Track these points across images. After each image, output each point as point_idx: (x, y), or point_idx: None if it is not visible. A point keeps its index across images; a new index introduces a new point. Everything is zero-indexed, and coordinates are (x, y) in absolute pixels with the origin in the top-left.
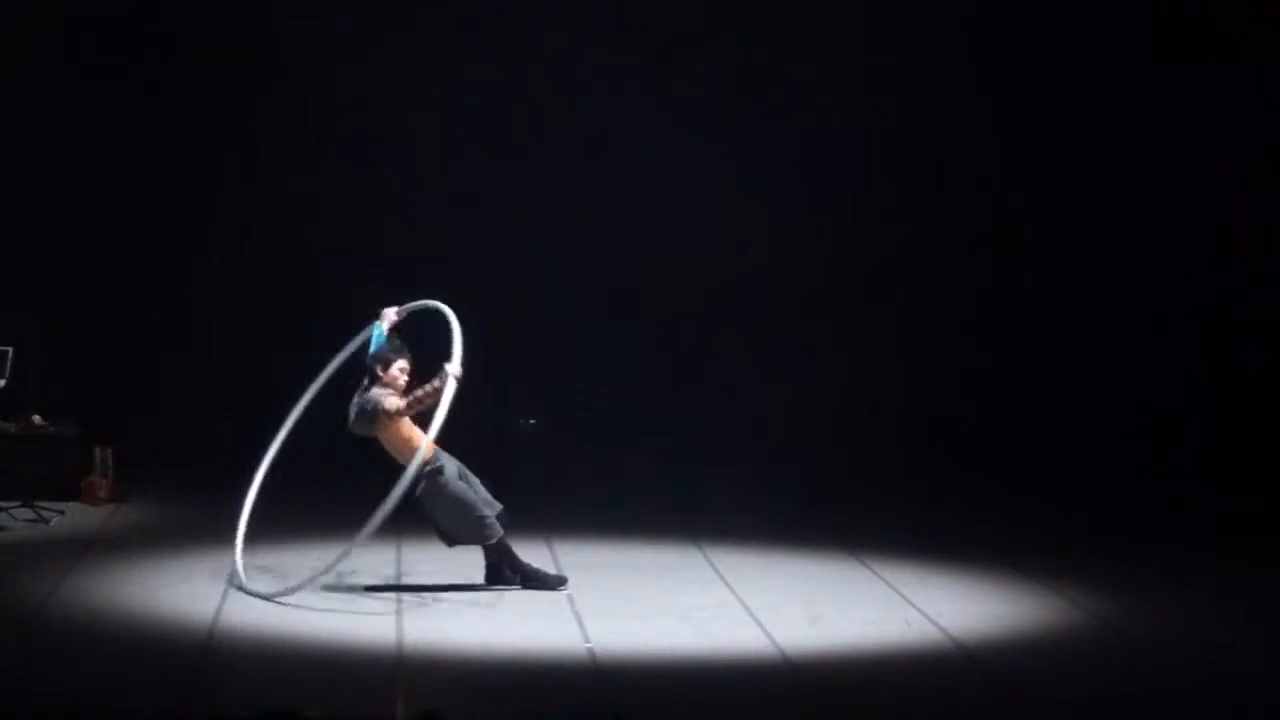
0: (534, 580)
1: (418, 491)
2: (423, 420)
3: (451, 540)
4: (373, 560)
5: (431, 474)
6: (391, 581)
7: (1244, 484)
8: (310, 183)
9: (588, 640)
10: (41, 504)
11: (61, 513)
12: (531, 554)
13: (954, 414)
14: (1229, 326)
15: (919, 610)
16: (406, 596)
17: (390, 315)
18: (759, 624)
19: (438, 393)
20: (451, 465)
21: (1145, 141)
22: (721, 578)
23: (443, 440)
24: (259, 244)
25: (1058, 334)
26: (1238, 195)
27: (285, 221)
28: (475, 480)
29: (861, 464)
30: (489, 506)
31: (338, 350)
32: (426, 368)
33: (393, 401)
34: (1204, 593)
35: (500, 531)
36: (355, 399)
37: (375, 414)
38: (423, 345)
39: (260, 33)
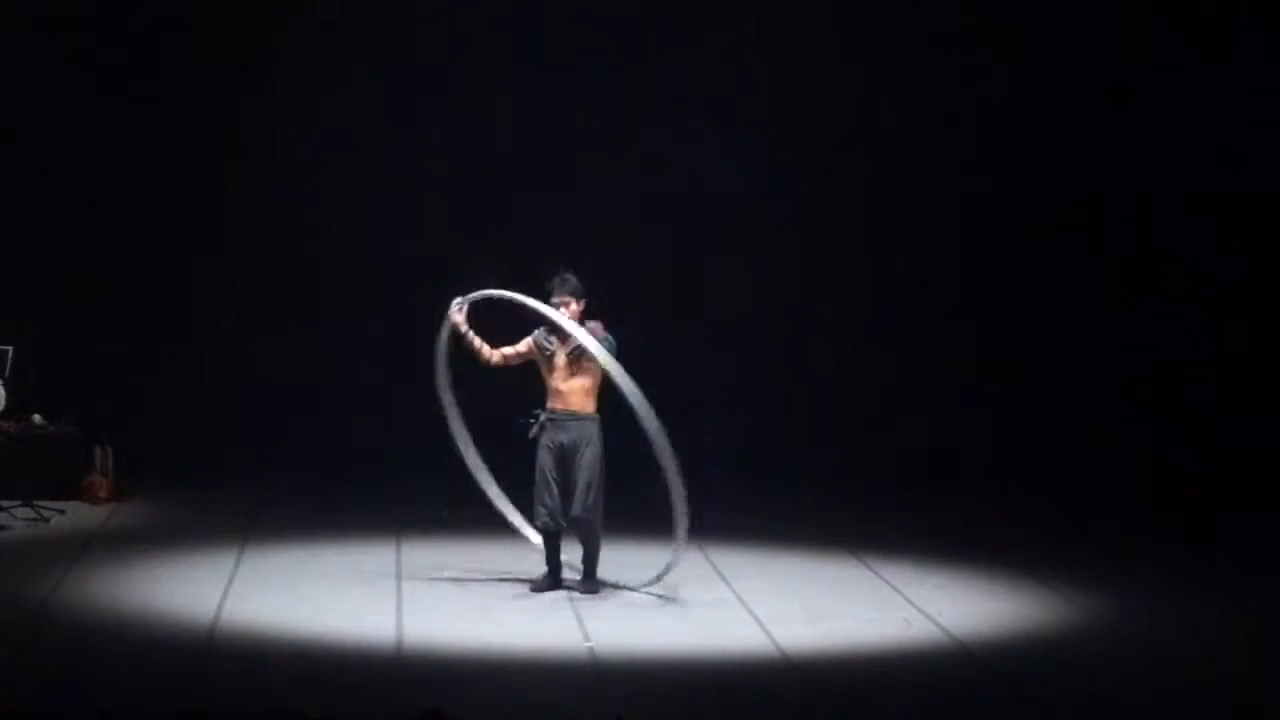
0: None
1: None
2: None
3: None
4: (371, 558)
5: (540, 427)
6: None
7: (1244, 483)
8: (311, 183)
9: (588, 640)
10: (41, 503)
11: (62, 512)
12: (531, 551)
13: (954, 414)
14: (1230, 325)
15: (919, 610)
16: (408, 596)
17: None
18: (759, 624)
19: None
20: (556, 439)
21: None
22: (722, 577)
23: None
24: (260, 244)
25: (1057, 333)
26: (1239, 188)
27: (286, 221)
28: (580, 479)
29: (861, 463)
30: (543, 506)
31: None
32: None
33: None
34: (1204, 592)
35: (537, 525)
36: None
37: None
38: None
39: (259, 31)
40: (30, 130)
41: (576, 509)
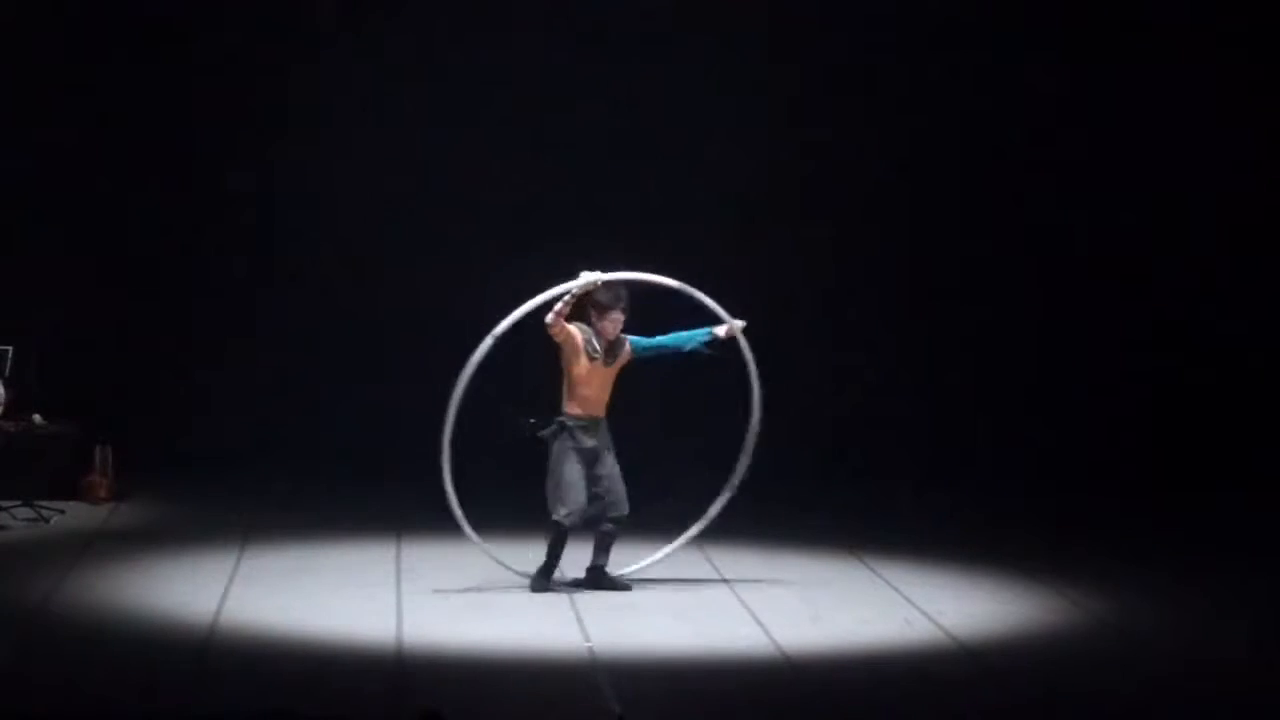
0: (542, 579)
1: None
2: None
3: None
4: (371, 558)
5: (559, 431)
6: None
7: (1245, 484)
8: (311, 183)
9: (588, 640)
10: (41, 503)
11: (62, 512)
12: (530, 552)
13: (955, 414)
14: (1228, 326)
15: (919, 609)
16: (408, 596)
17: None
18: (759, 624)
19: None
20: (583, 443)
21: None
22: (722, 577)
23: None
24: (259, 243)
25: (1057, 333)
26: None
27: (286, 221)
28: (605, 476)
29: (862, 463)
30: (574, 505)
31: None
32: None
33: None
34: (1204, 592)
35: (564, 525)
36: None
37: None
38: None
39: (258, 31)
40: (30, 130)
41: (623, 509)
